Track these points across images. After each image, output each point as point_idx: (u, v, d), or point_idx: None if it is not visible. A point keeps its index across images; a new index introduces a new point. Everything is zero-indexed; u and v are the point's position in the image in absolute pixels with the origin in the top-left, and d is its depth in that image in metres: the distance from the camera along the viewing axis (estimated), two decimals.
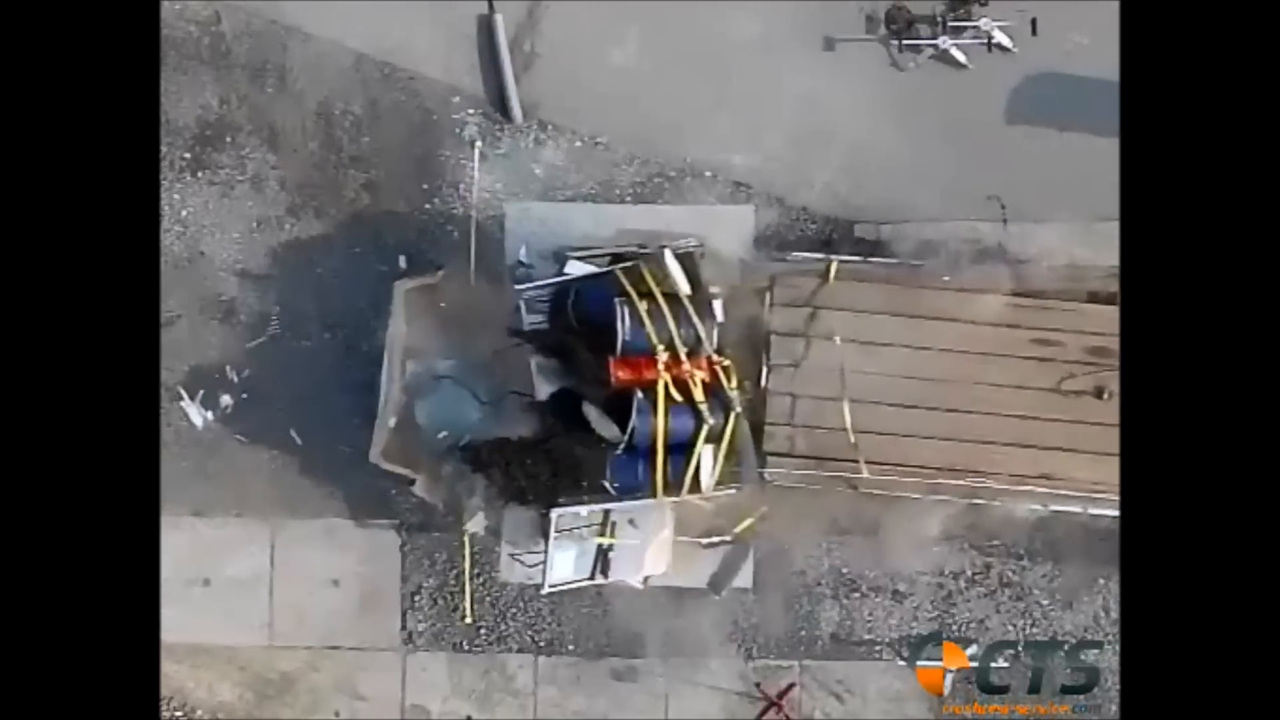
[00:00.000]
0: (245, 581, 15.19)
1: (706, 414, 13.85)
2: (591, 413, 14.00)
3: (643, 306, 13.88)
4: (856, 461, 14.02)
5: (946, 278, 14.28)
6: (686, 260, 14.17)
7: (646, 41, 15.17)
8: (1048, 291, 14.26)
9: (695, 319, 13.91)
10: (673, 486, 13.96)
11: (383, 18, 15.34)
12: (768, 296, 14.42)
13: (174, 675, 15.10)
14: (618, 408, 13.97)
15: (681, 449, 13.94)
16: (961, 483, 14.05)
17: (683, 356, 13.89)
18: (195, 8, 15.53)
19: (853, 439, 14.00)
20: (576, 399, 14.13)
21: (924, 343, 14.23)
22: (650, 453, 13.92)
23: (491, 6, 15.13)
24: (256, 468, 15.23)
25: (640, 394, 13.88)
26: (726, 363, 14.02)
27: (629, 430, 13.85)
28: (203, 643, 15.15)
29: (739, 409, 13.98)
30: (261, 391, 15.22)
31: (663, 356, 13.85)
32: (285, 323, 15.26)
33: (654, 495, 14.01)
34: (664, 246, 14.10)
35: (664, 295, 13.95)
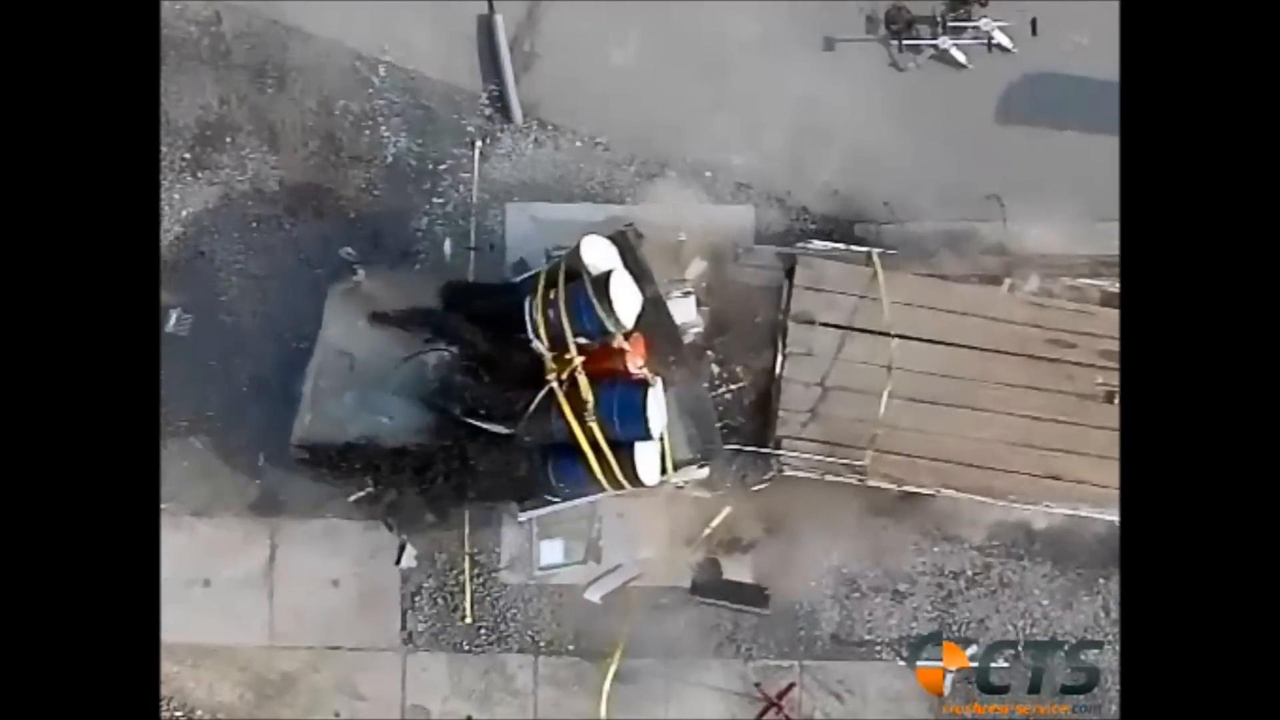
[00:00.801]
0: (245, 581, 15.19)
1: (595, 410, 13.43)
2: (472, 413, 13.71)
3: (542, 301, 13.53)
4: (866, 449, 13.94)
5: (968, 270, 14.23)
6: (620, 240, 13.89)
7: (646, 41, 15.18)
8: (1059, 292, 14.19)
9: (595, 303, 13.44)
10: (617, 481, 13.63)
11: (383, 18, 15.36)
12: (785, 284, 14.29)
13: (174, 675, 15.08)
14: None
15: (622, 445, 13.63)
16: (970, 481, 14.01)
17: (571, 347, 13.43)
18: (195, 8, 15.55)
19: (878, 432, 13.93)
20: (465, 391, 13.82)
21: (943, 336, 14.14)
22: (579, 449, 13.59)
23: (491, 6, 15.14)
24: (256, 468, 15.22)
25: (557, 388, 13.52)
26: (628, 344, 13.55)
27: (520, 425, 13.53)
28: (203, 643, 15.14)
29: (654, 384, 13.57)
30: (259, 391, 15.21)
31: (547, 354, 13.49)
32: (284, 324, 15.25)
33: (601, 491, 13.78)
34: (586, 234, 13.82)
35: (566, 283, 13.59)
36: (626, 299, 13.65)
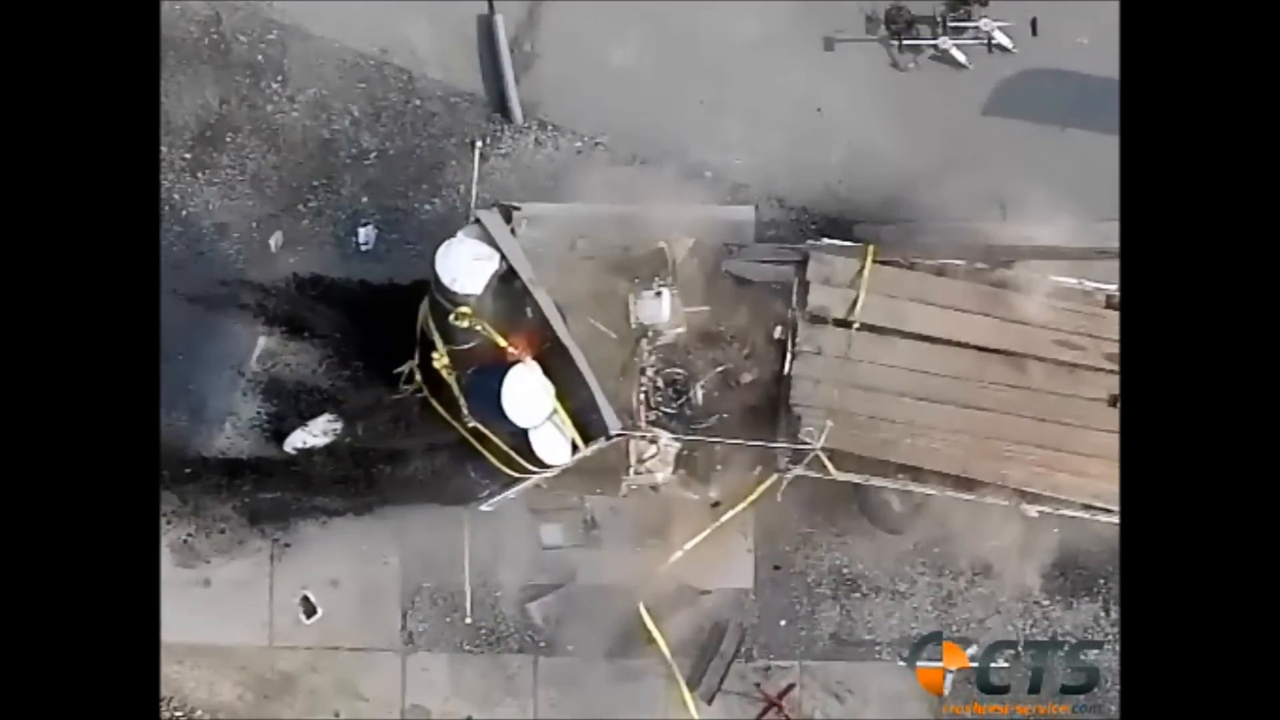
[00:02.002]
0: (245, 581, 15.19)
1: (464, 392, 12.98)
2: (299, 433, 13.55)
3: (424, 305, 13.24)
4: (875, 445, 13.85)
5: (969, 269, 14.15)
6: (488, 219, 13.19)
7: (646, 41, 15.19)
8: (1067, 294, 14.11)
9: (431, 279, 12.95)
10: (520, 467, 13.13)
11: (382, 18, 15.37)
12: (796, 280, 13.99)
13: (174, 675, 15.10)
14: None
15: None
16: (975, 482, 13.95)
17: (437, 341, 13.03)
18: (195, 8, 15.56)
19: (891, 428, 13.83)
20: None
21: (949, 335, 14.04)
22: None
23: (491, 6, 15.14)
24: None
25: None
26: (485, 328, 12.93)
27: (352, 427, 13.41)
28: (203, 643, 15.15)
29: (523, 363, 12.92)
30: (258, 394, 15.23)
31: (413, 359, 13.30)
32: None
33: (513, 479, 13.31)
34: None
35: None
36: (460, 265, 12.93)
